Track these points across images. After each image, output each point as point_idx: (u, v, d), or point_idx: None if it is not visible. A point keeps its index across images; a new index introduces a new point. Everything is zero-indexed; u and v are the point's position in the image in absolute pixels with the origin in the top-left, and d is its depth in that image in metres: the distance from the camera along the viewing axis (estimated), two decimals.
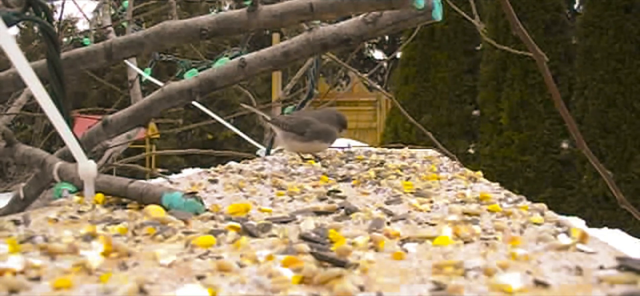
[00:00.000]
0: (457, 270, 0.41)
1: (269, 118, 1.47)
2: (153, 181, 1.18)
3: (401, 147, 1.75)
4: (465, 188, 0.87)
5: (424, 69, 7.31)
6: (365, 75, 3.44)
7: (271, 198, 0.78)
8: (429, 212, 0.68)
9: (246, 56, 1.14)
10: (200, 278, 0.40)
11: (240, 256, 0.45)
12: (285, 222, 0.60)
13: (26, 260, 0.41)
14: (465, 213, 0.64)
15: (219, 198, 0.80)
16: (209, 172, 1.10)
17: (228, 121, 2.16)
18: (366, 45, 14.93)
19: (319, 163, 1.30)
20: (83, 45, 1.72)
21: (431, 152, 1.65)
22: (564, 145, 6.55)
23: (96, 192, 0.75)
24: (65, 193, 0.78)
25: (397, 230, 0.55)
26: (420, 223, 0.60)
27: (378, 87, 4.31)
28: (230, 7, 4.22)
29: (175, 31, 1.05)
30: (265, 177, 1.01)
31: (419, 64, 7.33)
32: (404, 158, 1.45)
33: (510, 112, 6.63)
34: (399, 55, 9.13)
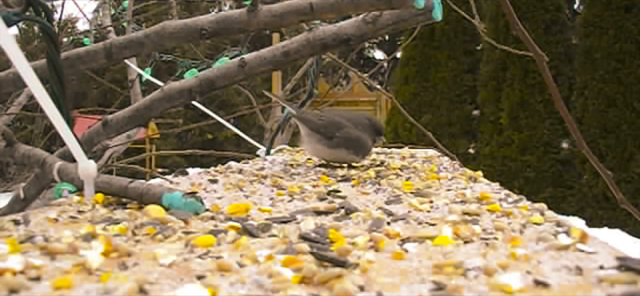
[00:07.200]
0: (457, 270, 0.41)
1: (294, 111, 1.29)
2: (153, 181, 1.18)
3: (401, 147, 1.75)
4: (465, 188, 0.87)
5: (424, 69, 7.32)
6: (366, 75, 3.44)
7: (271, 198, 0.78)
8: (429, 211, 0.68)
9: (246, 56, 1.14)
10: (200, 278, 0.40)
11: (240, 256, 0.45)
12: (285, 222, 0.60)
13: (26, 260, 0.41)
14: (465, 213, 0.64)
15: (219, 198, 0.80)
16: (209, 172, 1.10)
17: (228, 121, 2.16)
18: (366, 45, 14.93)
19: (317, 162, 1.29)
20: (83, 45, 1.71)
21: (431, 151, 1.65)
22: (564, 145, 6.55)
23: (96, 192, 0.75)
24: (65, 193, 0.78)
25: (397, 230, 0.55)
26: (420, 223, 0.60)
27: (378, 86, 4.32)
28: (230, 7, 4.22)
29: (175, 31, 1.05)
30: (265, 177, 1.01)
31: (419, 63, 7.33)
32: (404, 158, 1.45)
33: (510, 112, 6.64)
34: (399, 55, 9.13)
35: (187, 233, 0.53)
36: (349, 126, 1.22)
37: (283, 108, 1.61)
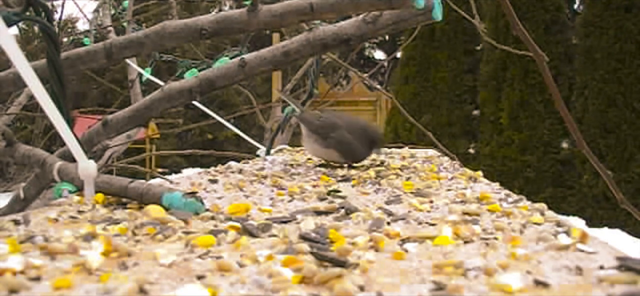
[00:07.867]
0: (457, 270, 0.41)
1: (298, 111, 1.33)
2: (153, 181, 1.18)
3: (401, 147, 1.75)
4: (465, 188, 0.87)
5: (424, 69, 7.31)
6: (366, 75, 3.44)
7: (271, 198, 0.79)
8: (429, 211, 0.68)
9: (246, 56, 1.14)
10: (200, 278, 0.40)
11: (240, 256, 0.45)
12: (285, 222, 0.60)
13: (26, 260, 0.41)
14: (465, 213, 0.64)
15: (219, 198, 0.80)
16: (209, 172, 1.10)
17: (228, 121, 2.16)
18: (366, 45, 14.93)
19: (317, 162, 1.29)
20: (83, 45, 1.72)
21: (431, 151, 1.65)
22: (564, 145, 6.55)
23: (96, 192, 0.75)
24: (65, 193, 0.78)
25: (397, 230, 0.55)
26: (420, 223, 0.60)
27: (378, 86, 4.32)
28: (230, 7, 4.22)
29: (175, 31, 1.05)
30: (265, 177, 1.01)
31: (419, 63, 7.33)
32: (404, 158, 1.45)
33: (510, 112, 6.63)
34: (399, 55, 9.13)
35: (187, 233, 0.53)
36: (343, 130, 1.22)
37: (283, 108, 1.61)
